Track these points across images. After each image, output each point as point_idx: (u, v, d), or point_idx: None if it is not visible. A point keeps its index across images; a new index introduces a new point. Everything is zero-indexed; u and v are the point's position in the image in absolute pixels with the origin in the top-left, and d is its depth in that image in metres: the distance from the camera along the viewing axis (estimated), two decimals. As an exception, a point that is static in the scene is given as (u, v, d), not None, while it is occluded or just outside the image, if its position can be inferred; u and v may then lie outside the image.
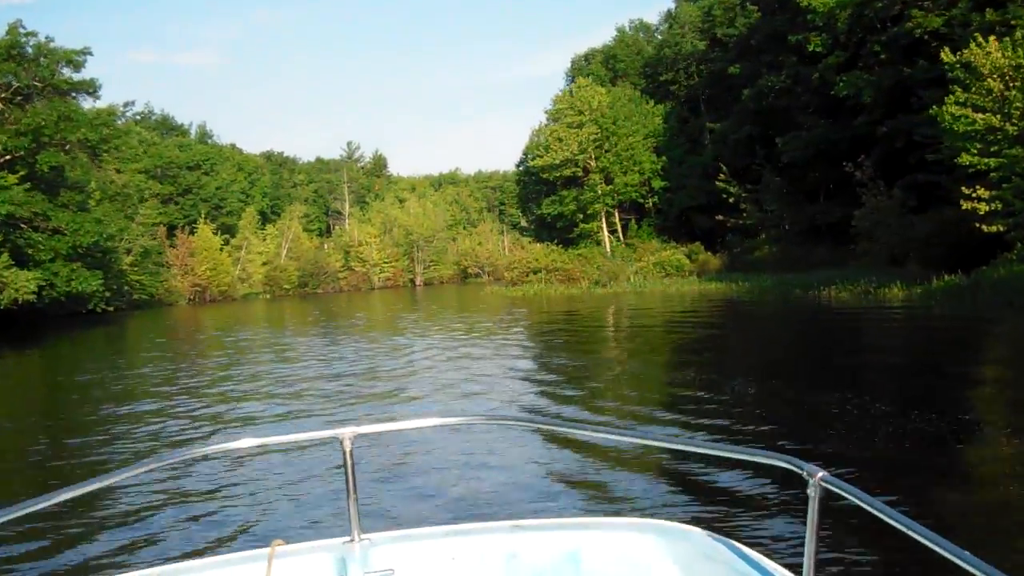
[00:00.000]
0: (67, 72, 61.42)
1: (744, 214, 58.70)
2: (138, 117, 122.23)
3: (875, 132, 46.62)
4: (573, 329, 31.42)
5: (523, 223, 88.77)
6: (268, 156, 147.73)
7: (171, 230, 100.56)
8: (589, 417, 12.96)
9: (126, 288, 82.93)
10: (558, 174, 68.36)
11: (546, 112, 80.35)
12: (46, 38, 60.54)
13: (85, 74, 64.59)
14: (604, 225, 69.48)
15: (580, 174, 68.29)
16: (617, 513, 4.93)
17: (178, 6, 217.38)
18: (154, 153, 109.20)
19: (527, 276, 67.86)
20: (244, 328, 44.79)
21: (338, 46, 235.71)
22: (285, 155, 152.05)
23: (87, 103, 67.71)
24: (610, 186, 67.70)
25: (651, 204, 70.04)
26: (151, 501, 8.95)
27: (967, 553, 1.68)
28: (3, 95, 58.52)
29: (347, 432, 2.64)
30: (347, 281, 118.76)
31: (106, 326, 54.90)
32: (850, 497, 1.98)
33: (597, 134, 67.48)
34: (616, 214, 70.12)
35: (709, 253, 62.70)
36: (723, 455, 3.18)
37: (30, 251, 54.35)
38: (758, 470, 7.92)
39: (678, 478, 8.55)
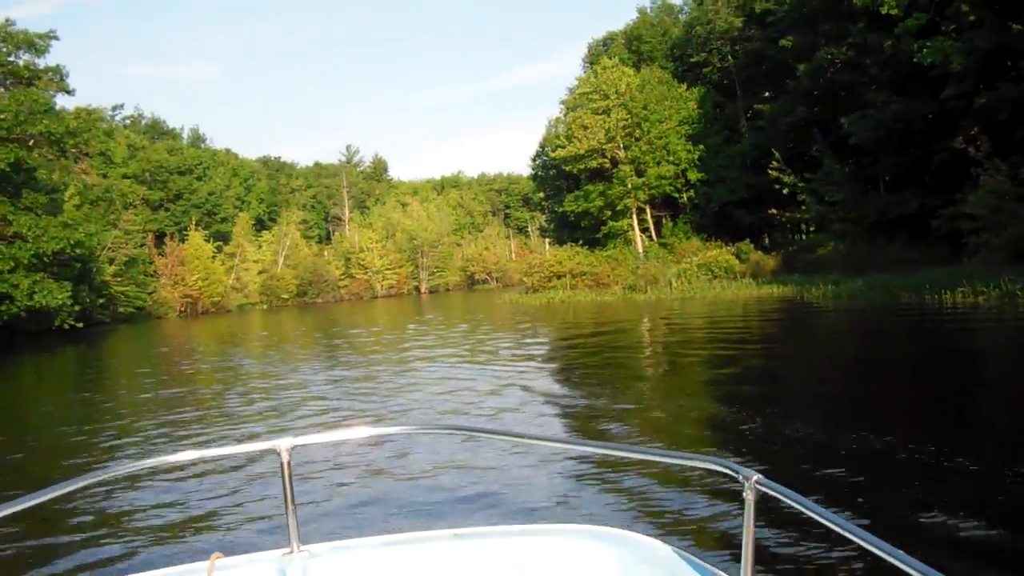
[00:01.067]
0: (28, 58, 53.53)
1: (802, 207, 50.77)
2: (127, 121, 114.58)
3: (969, 106, 38.79)
4: (625, 352, 23.39)
5: (542, 223, 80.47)
6: (264, 161, 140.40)
7: (160, 238, 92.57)
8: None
9: (106, 301, 75.12)
10: (582, 166, 60.49)
11: (562, 102, 72.62)
12: (5, 20, 52.76)
13: (74, 84, 56.72)
14: (635, 223, 61.64)
15: (607, 166, 60.42)
16: (557, 520, 4.19)
17: (174, 21, 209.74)
18: (142, 157, 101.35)
19: (549, 281, 60.06)
20: (231, 347, 36.93)
21: (335, 50, 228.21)
22: (282, 160, 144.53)
23: (63, 102, 60.12)
24: (641, 178, 59.88)
25: (686, 199, 62.17)
26: (89, 518, 8.55)
27: (901, 552, 1.68)
28: (-45, 84, 50.66)
29: (284, 443, 2.60)
30: (348, 289, 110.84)
31: (80, 344, 47.17)
32: (785, 499, 1.97)
33: (626, 120, 59.63)
34: (648, 210, 62.29)
35: (760, 252, 54.78)
36: (660, 460, 2.86)
37: (-17, 261, 46.58)
38: (695, 475, 7.82)
39: (616, 484, 8.10)
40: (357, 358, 25.52)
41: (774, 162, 51.84)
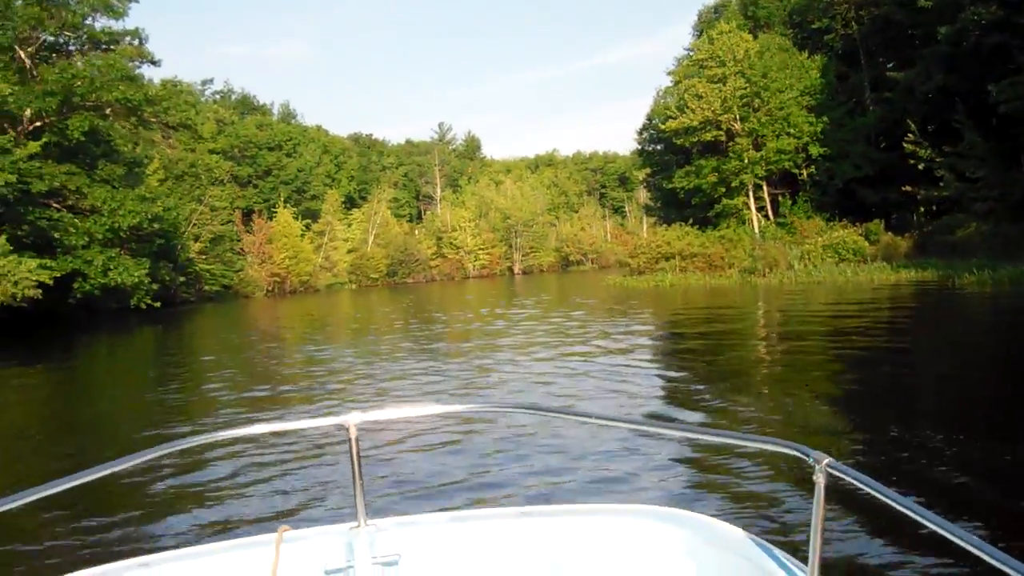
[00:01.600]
0: (106, 22, 50.18)
1: (940, 184, 44.84)
2: (216, 96, 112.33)
3: None
4: (753, 347, 18.52)
5: (647, 201, 75.11)
6: (355, 138, 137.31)
7: (248, 215, 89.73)
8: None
9: (191, 279, 72.27)
10: (695, 139, 55.18)
11: (670, 73, 67.38)
12: (81, -20, 49.40)
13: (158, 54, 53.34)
14: (751, 200, 56.23)
15: (722, 139, 55.06)
16: (625, 501, 3.40)
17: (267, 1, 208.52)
18: (231, 132, 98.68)
19: (656, 263, 55.03)
20: (319, 333, 32.95)
21: (428, 28, 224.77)
22: (374, 137, 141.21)
23: (149, 74, 56.87)
24: (760, 152, 54.45)
25: (806, 175, 56.50)
26: (162, 487, 8.69)
27: (975, 537, 1.65)
28: (30, 49, 47.40)
29: (352, 419, 2.62)
30: (439, 269, 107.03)
31: (159, 324, 43.83)
32: (857, 483, 1.94)
33: (744, 89, 54.17)
34: (764, 187, 56.83)
35: (890, 234, 48.98)
36: (730, 442, 3.09)
37: (56, 235, 43.22)
38: (765, 458, 7.56)
39: (686, 466, 7.99)
40: (456, 349, 21.14)
41: (909, 134, 45.96)
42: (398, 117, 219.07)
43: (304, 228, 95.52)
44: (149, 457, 2.62)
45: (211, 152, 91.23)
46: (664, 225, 57.87)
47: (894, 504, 1.85)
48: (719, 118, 55.02)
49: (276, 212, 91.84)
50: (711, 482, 7.49)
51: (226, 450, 9.92)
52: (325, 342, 27.38)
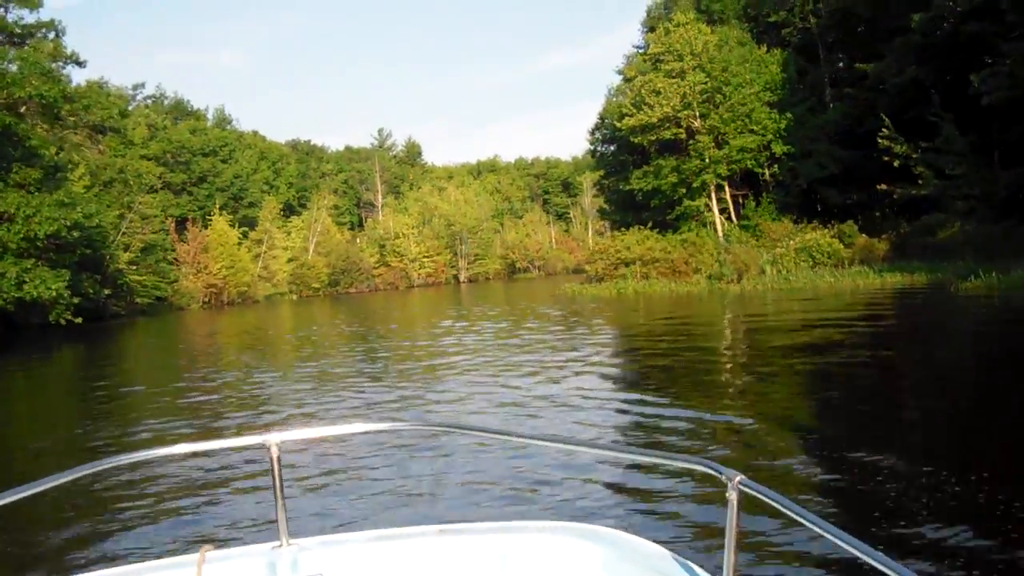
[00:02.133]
0: (19, 14, 45.93)
1: (920, 181, 42.34)
2: (149, 101, 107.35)
3: None
4: (759, 370, 15.58)
5: (601, 204, 71.87)
6: (294, 144, 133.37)
7: (182, 224, 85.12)
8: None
9: (120, 291, 67.83)
10: (653, 137, 52.24)
11: (621, 71, 64.58)
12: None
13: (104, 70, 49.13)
14: (714, 202, 53.43)
15: (683, 136, 52.21)
16: (543, 518, 3.36)
17: (205, 10, 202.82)
18: (163, 137, 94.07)
19: (615, 269, 52.09)
20: (253, 350, 29.36)
21: (366, 34, 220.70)
22: (312, 143, 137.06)
23: (74, 75, 52.85)
24: (722, 151, 51.70)
25: (768, 176, 53.95)
26: (82, 508, 8.58)
27: (880, 553, 1.69)
28: (-66, 41, 43.17)
29: (273, 438, 2.59)
30: (383, 278, 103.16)
31: (83, 341, 39.97)
32: (768, 500, 1.97)
33: (705, 84, 51.39)
34: (726, 188, 54.10)
35: (864, 236, 46.44)
36: (645, 460, 3.45)
37: (-37, 245, 39.07)
38: (678, 475, 7.62)
39: (601, 483, 7.95)
40: (412, 372, 17.90)
41: (884, 129, 43.37)
42: (337, 124, 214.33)
43: (241, 236, 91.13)
44: (70, 478, 2.57)
45: (143, 158, 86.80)
46: (621, 229, 54.68)
47: (804, 521, 1.88)
48: (679, 115, 52.16)
49: (212, 220, 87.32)
50: (629, 499, 7.44)
51: (148, 470, 9.75)
52: (263, 364, 23.77)
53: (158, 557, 2.92)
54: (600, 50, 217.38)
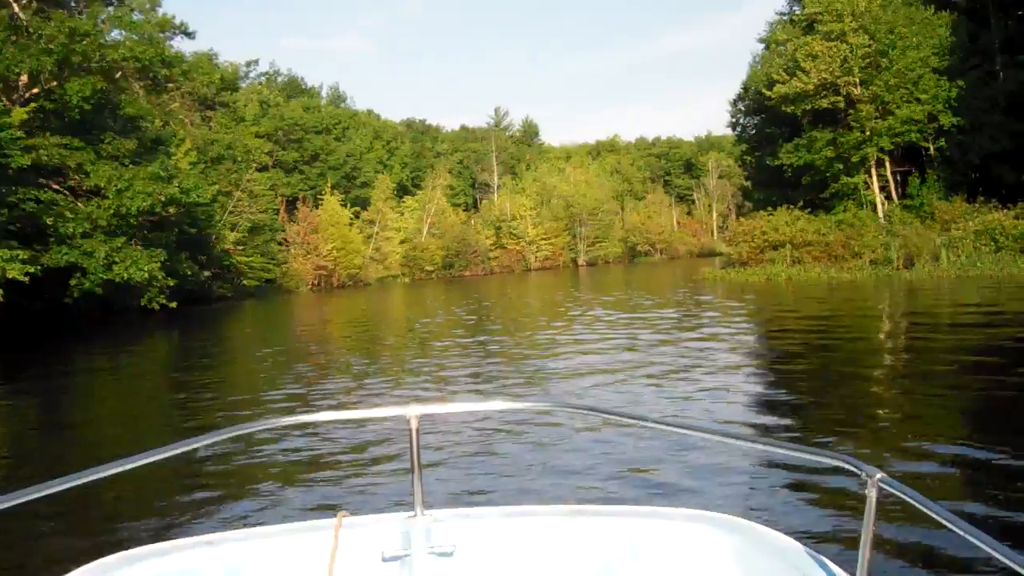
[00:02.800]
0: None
1: None
2: (262, 79, 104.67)
3: None
4: None
5: (744, 183, 65.42)
6: (409, 124, 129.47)
7: (292, 204, 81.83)
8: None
9: (226, 272, 64.53)
10: (809, 106, 46.12)
11: (764, 39, 58.16)
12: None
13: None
14: (874, 179, 47.07)
15: (841, 105, 45.98)
16: (675, 505, 3.15)
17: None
18: (275, 114, 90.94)
19: (762, 253, 46.17)
20: (377, 348, 24.60)
21: (484, 12, 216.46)
22: (427, 123, 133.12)
23: (180, 45, 49.32)
24: (885, 122, 45.28)
25: (934, 150, 47.25)
26: (225, 470, 8.92)
27: (1022, 557, 1.62)
28: (23, 1, 39.66)
29: (413, 411, 2.67)
30: (498, 261, 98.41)
31: (176, 329, 36.67)
32: (908, 499, 1.93)
33: (868, 47, 45.04)
34: (887, 164, 47.66)
35: (1057, 218, 39.64)
36: (783, 452, 2.88)
37: (49, 220, 35.35)
38: (817, 470, 7.34)
39: (739, 474, 7.66)
40: (545, 375, 13.68)
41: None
42: (453, 103, 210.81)
43: (353, 217, 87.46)
44: (214, 440, 2.67)
45: (254, 136, 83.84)
46: (768, 208, 48.45)
47: (945, 522, 1.83)
48: (837, 81, 45.84)
49: (323, 200, 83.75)
50: (764, 491, 7.16)
51: (290, 439, 10.04)
52: (378, 358, 19.52)
53: (297, 520, 2.93)
54: (724, 30, 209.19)
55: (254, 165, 70.18)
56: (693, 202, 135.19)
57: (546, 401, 9.44)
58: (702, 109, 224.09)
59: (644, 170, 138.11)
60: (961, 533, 1.76)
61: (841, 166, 46.87)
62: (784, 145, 49.13)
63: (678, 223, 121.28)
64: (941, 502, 1.86)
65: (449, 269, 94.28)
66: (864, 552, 2.02)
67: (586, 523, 2.71)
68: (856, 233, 43.53)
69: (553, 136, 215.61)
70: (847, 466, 2.13)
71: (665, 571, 2.57)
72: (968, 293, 26.77)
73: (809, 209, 47.83)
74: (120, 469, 2.37)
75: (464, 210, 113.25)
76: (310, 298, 66.84)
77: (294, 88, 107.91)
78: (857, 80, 46.23)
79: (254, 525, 3.05)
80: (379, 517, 2.81)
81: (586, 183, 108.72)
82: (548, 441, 9.35)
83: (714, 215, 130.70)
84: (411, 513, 2.70)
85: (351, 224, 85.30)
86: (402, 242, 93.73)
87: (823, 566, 2.23)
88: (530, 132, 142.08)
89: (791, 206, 47.72)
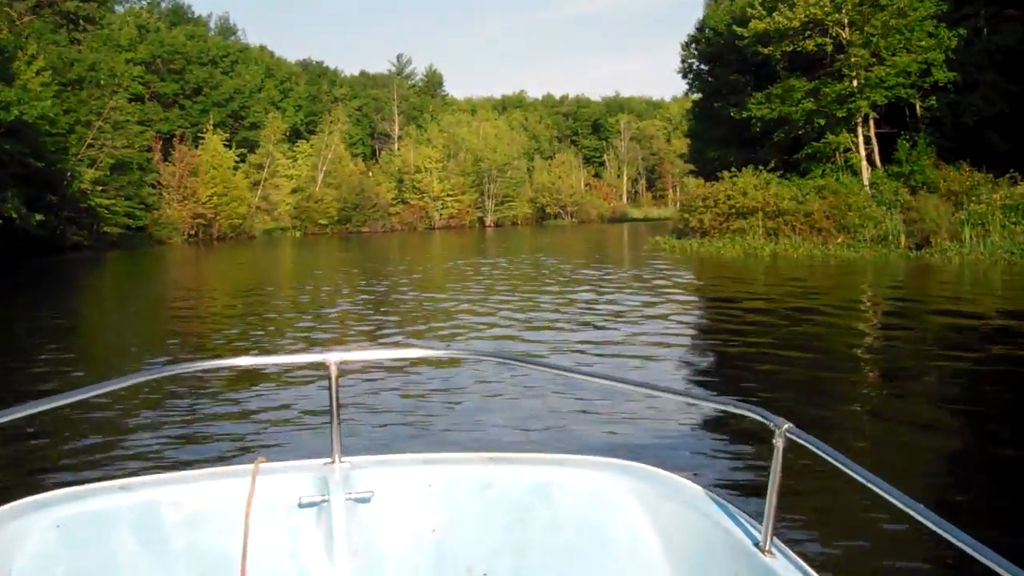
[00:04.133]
0: None
1: None
2: (143, 2, 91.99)
3: None
4: None
5: (690, 141, 56.70)
6: (305, 64, 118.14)
7: (169, 142, 70.52)
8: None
9: (87, 218, 54.00)
10: (790, 47, 38.02)
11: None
12: None
13: None
14: (860, 139, 39.39)
15: (828, 49, 37.99)
16: (587, 453, 3.29)
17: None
18: (154, 40, 79.24)
19: (726, 222, 38.14)
20: (248, 313, 18.77)
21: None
22: (325, 65, 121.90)
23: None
24: (878, 71, 37.52)
25: (921, 110, 39.86)
26: (145, 414, 8.76)
27: (921, 505, 1.69)
28: None
29: (333, 357, 2.65)
30: (400, 217, 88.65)
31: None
32: (815, 449, 1.97)
33: (865, -21, 37.21)
34: (870, 123, 40.05)
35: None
36: (694, 402, 3.38)
37: None
38: (727, 420, 7.62)
39: (649, 422, 7.92)
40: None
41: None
42: (350, 48, 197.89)
43: (238, 160, 76.56)
44: (128, 383, 2.69)
45: (128, 63, 72.22)
46: (732, 170, 40.09)
47: (850, 472, 1.86)
48: (826, 20, 37.80)
49: (204, 139, 72.70)
50: (674, 439, 7.34)
51: (209, 383, 9.94)
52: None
53: (214, 465, 2.94)
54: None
55: (120, 91, 58.89)
56: (602, 164, 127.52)
57: (466, 350, 9.43)
58: (609, 71, 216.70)
59: (552, 128, 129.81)
60: (864, 482, 1.80)
61: (823, 121, 38.92)
62: (754, 95, 40.90)
63: (587, 186, 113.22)
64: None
65: (345, 224, 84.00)
66: (770, 500, 2.03)
67: (501, 470, 2.70)
68: (842, 203, 35.76)
69: (457, 89, 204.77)
70: (756, 416, 2.13)
71: (575, 515, 2.59)
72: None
73: (780, 172, 39.94)
74: (25, 413, 2.32)
75: (363, 160, 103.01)
76: (184, 251, 56.73)
77: (178, 16, 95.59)
78: (846, 20, 38.27)
79: (169, 470, 2.86)
80: (296, 463, 2.76)
81: (496, 136, 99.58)
82: (466, 389, 9.29)
83: (624, 179, 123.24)
84: (328, 460, 2.67)
85: (236, 168, 74.52)
86: (293, 191, 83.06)
87: (728, 512, 2.26)
88: (434, 82, 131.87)
89: (759, 168, 39.71)
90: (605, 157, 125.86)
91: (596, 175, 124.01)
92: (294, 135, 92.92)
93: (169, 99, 79.94)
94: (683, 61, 50.21)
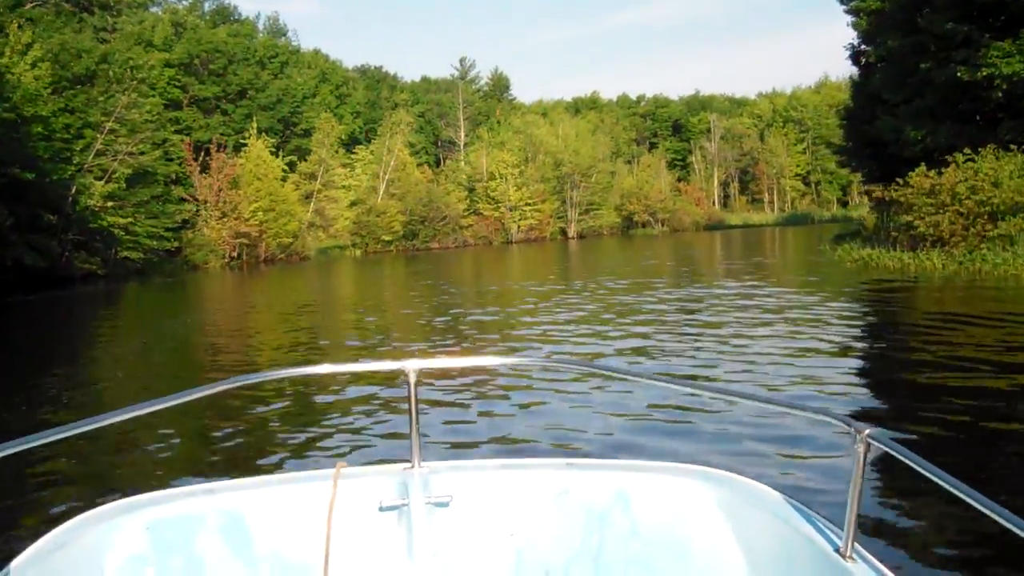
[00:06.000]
0: None
1: None
2: (183, 4, 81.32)
3: None
4: None
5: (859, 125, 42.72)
6: (362, 70, 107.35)
7: (203, 152, 59.07)
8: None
9: (98, 241, 43.12)
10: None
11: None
12: None
13: None
14: None
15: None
16: (667, 459, 3.25)
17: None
18: (191, 37, 68.37)
19: (969, 227, 25.50)
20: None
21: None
22: (384, 70, 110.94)
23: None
24: None
25: None
26: (223, 423, 8.67)
27: (1014, 516, 1.61)
28: None
29: (412, 365, 2.65)
30: (472, 231, 76.66)
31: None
32: (897, 455, 1.93)
33: None
34: None
35: None
36: (774, 407, 3.13)
37: None
38: (807, 425, 7.12)
39: (727, 428, 7.51)
40: None
41: None
42: (412, 52, 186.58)
43: (287, 169, 65.06)
44: (213, 391, 2.66)
45: (166, 66, 61.45)
46: (964, 151, 27.17)
47: (934, 478, 1.81)
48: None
49: (248, 146, 61.30)
50: (755, 447, 6.95)
51: (290, 390, 10.04)
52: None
53: (296, 470, 2.88)
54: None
55: (142, 86, 47.69)
56: (685, 168, 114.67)
57: (542, 356, 8.98)
58: (686, 71, 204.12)
59: (630, 130, 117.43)
60: (950, 489, 1.75)
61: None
62: (993, 46, 28.18)
63: (676, 191, 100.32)
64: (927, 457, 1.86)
65: (412, 240, 72.00)
66: (852, 506, 2.01)
67: (579, 476, 2.69)
68: None
69: (524, 93, 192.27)
70: (836, 422, 2.12)
71: (654, 522, 2.57)
72: None
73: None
74: (115, 420, 2.36)
75: (429, 169, 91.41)
76: (222, 278, 45.25)
77: (223, 16, 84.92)
78: None
79: (253, 475, 2.82)
80: (377, 468, 2.79)
81: (576, 137, 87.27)
82: (544, 396, 9.12)
83: (715, 182, 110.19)
84: (408, 465, 2.68)
85: (284, 179, 62.98)
86: (352, 204, 71.16)
87: (809, 518, 2.23)
88: (500, 85, 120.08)
89: (1000, 149, 27.01)
90: (692, 159, 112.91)
91: (680, 179, 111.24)
92: (352, 142, 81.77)
93: (211, 104, 69.05)
94: (855, 27, 37.30)
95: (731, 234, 72.58)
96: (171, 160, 53.93)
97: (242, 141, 62.21)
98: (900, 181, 28.34)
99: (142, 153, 45.51)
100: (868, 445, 1.96)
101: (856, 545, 2.02)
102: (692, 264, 35.55)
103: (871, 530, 4.96)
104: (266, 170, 58.95)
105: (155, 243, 47.78)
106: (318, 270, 48.93)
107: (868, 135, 39.84)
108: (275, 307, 25.24)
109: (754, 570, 2.34)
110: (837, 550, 2.05)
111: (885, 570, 1.96)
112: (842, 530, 2.06)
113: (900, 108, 34.16)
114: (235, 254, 56.27)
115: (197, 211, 55.23)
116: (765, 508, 2.37)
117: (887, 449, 1.92)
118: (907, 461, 1.89)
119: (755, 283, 23.53)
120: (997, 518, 1.61)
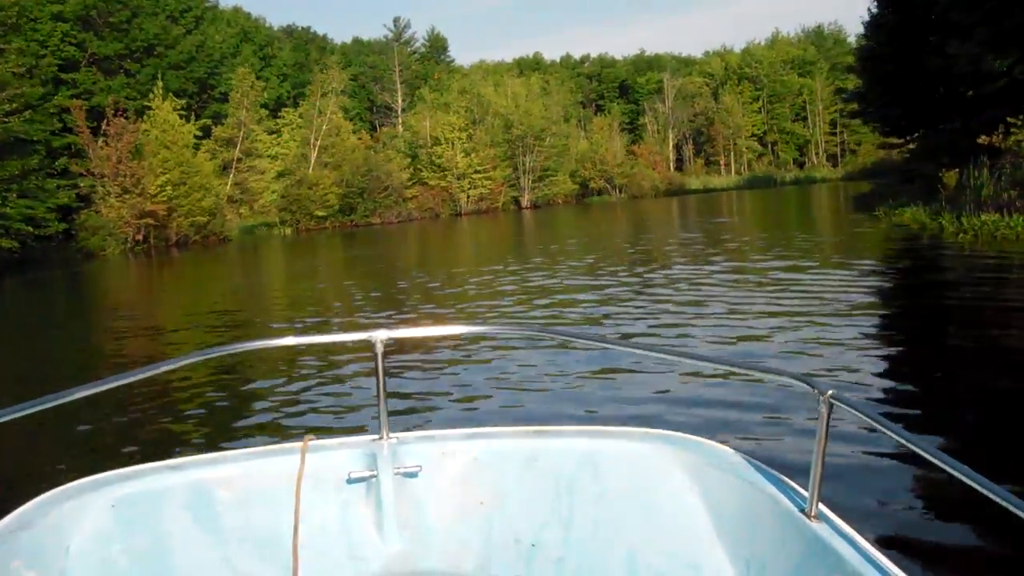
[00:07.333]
0: None
1: None
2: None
3: None
4: None
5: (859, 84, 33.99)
6: (289, 30, 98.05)
7: (104, 120, 49.04)
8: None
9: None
10: None
11: None
12: None
13: None
14: None
15: None
16: (630, 423, 3.75)
17: None
18: (87, -12, 58.18)
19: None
20: None
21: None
22: (313, 31, 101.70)
23: None
24: None
25: None
26: (192, 395, 8.51)
27: (967, 468, 1.63)
28: None
29: (379, 335, 2.62)
30: (417, 203, 67.59)
31: None
32: (860, 414, 1.93)
33: None
34: None
35: None
36: (736, 371, 2.97)
37: None
38: (770, 388, 6.98)
39: (692, 392, 7.36)
40: None
41: None
42: (342, 12, 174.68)
43: (200, 134, 55.32)
44: (178, 364, 2.57)
45: (55, 18, 51.78)
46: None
47: (895, 436, 1.85)
48: None
49: (153, 108, 51.52)
50: (718, 410, 6.79)
51: (256, 363, 9.77)
52: None
53: (263, 444, 2.89)
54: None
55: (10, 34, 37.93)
56: (634, 130, 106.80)
57: (508, 325, 9.17)
58: (628, 34, 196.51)
59: (576, 92, 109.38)
60: (910, 446, 1.77)
61: None
62: None
63: (631, 154, 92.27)
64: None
65: (349, 215, 62.55)
66: (816, 467, 2.00)
67: (546, 442, 2.68)
68: None
69: (463, 55, 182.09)
70: (799, 383, 2.12)
71: (622, 486, 2.57)
72: None
73: None
74: (80, 395, 2.34)
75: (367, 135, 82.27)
76: (121, 269, 36.13)
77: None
78: None
79: (219, 450, 2.77)
80: (345, 440, 2.75)
81: (527, 97, 78.66)
82: (509, 363, 8.90)
83: (670, 145, 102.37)
84: (376, 436, 2.66)
85: (197, 147, 53.33)
86: (279, 175, 61.75)
87: (773, 479, 2.24)
88: (437, 47, 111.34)
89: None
90: (645, 120, 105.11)
91: (634, 143, 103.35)
92: (278, 107, 72.28)
93: (113, 64, 59.08)
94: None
95: (709, 200, 64.62)
96: (67, 130, 44.25)
97: (147, 104, 52.38)
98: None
99: (10, 114, 35.81)
100: (831, 406, 1.94)
101: (820, 505, 2.00)
102: (732, 254, 27.13)
103: (835, 490, 3.88)
104: (175, 137, 49.33)
105: (33, 229, 38.19)
106: (240, 254, 40.05)
107: (892, 78, 32.37)
108: (170, 317, 16.64)
109: (721, 532, 2.31)
110: (802, 510, 2.03)
111: (849, 529, 1.93)
112: (807, 491, 2.03)
113: (974, 32, 26.19)
114: (139, 237, 46.67)
115: (93, 187, 45.58)
116: (730, 470, 2.36)
117: (850, 409, 1.91)
118: (870, 420, 1.88)
119: (852, 277, 15.28)
120: (956, 474, 1.60)
